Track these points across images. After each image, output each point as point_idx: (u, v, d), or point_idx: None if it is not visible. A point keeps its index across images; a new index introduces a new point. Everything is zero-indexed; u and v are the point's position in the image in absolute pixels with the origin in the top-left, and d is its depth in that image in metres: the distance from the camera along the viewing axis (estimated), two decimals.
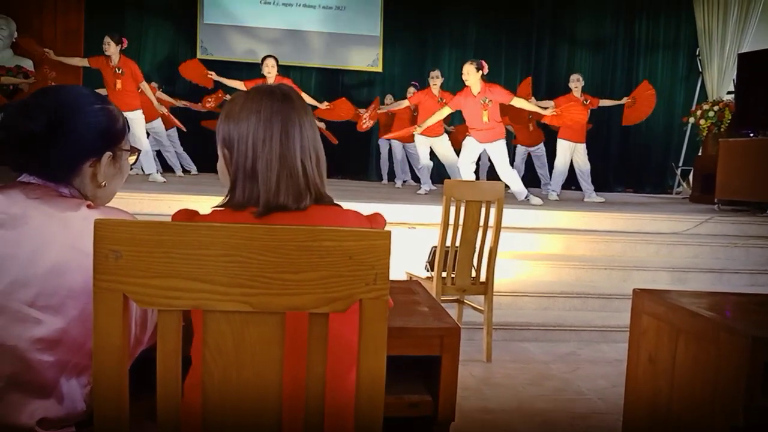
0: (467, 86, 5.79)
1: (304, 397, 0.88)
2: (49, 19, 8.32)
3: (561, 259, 4.64)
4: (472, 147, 6.04)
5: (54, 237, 1.09)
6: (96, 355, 0.83)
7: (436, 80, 6.73)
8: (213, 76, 6.89)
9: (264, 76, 6.32)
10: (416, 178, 8.51)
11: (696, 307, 1.72)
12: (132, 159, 1.30)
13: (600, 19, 9.79)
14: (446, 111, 6.04)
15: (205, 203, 4.65)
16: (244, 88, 6.19)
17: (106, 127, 1.22)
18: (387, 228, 1.29)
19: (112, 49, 6.17)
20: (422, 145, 6.94)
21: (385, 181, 8.70)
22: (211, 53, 8.92)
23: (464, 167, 6.09)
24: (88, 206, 1.14)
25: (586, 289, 4.28)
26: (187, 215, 1.16)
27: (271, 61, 6.27)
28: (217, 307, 0.84)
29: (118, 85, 6.22)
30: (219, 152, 1.21)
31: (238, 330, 0.85)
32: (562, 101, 6.60)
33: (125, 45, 6.31)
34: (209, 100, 7.46)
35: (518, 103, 6.00)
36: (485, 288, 3.32)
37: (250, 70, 8.95)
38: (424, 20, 9.54)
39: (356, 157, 9.33)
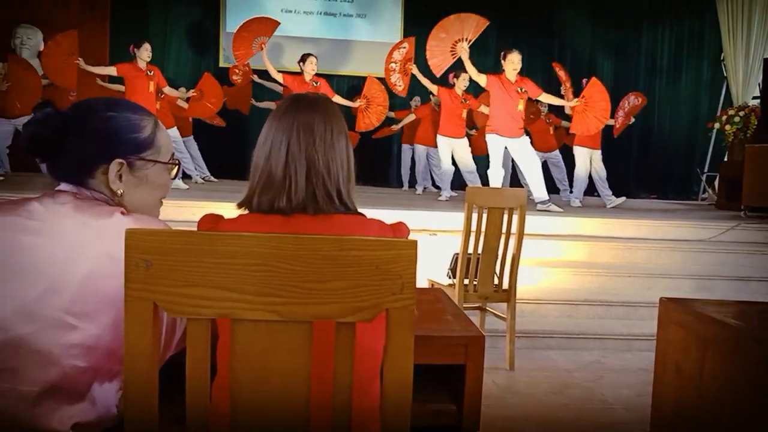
0: (503, 72, 5.74)
1: (331, 406, 0.88)
2: (76, 25, 8.46)
3: (584, 266, 4.59)
4: (497, 146, 5.86)
5: (88, 244, 1.10)
6: (127, 362, 0.84)
7: (462, 82, 6.68)
8: (255, 78, 6.99)
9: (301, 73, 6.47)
10: (436, 185, 8.51)
11: (722, 316, 1.69)
12: (172, 172, 1.30)
13: (622, 23, 9.72)
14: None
15: (228, 209, 4.68)
16: (281, 80, 6.40)
17: (117, 134, 1.21)
18: (410, 230, 1.30)
19: (147, 54, 6.32)
20: (445, 148, 6.83)
21: (405, 187, 8.69)
22: (234, 62, 8.99)
23: (495, 172, 5.93)
24: (122, 213, 1.16)
25: (610, 296, 4.23)
26: (212, 219, 1.18)
27: (312, 59, 6.45)
28: (245, 316, 0.85)
29: (151, 88, 6.33)
30: None
31: (265, 339, 0.86)
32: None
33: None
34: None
35: (546, 98, 5.98)
36: (508, 295, 3.31)
37: (271, 78, 9.04)
38: None
39: (376, 163, 9.34)
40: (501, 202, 3.23)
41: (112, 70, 6.47)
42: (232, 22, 9.36)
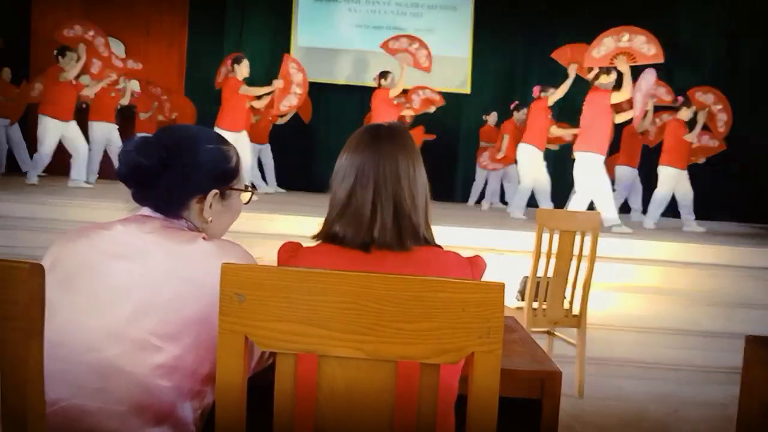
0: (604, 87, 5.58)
1: None
2: (155, 40, 8.87)
3: (659, 292, 4.43)
4: (599, 168, 5.65)
5: (172, 269, 1.15)
6: (219, 392, 0.87)
7: (554, 95, 6.60)
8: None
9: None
10: (503, 201, 8.42)
11: None
12: (246, 197, 1.35)
13: (700, 36, 9.32)
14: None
15: (297, 224, 4.79)
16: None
17: (215, 167, 1.27)
18: (487, 264, 1.29)
19: (247, 70, 6.59)
20: (531, 162, 6.64)
21: (470, 203, 8.62)
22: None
23: (586, 198, 5.73)
24: (204, 239, 1.20)
25: (687, 325, 4.06)
26: (292, 248, 1.20)
27: (392, 76, 6.69)
28: (332, 353, 0.86)
29: (247, 103, 6.62)
30: None
31: (351, 376, 0.87)
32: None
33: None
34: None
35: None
36: (578, 320, 3.22)
37: (342, 92, 9.20)
38: (514, 42, 9.45)
39: (441, 178, 9.30)
40: (573, 225, 3.16)
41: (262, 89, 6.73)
42: (303, 37, 9.58)
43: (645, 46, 5.62)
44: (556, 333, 3.41)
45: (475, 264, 1.21)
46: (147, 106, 8.28)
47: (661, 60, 5.73)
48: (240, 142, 6.58)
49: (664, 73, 6.10)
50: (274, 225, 4.82)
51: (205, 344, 1.13)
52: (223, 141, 1.32)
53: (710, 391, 3.51)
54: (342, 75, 9.42)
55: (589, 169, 5.60)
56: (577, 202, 5.77)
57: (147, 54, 8.82)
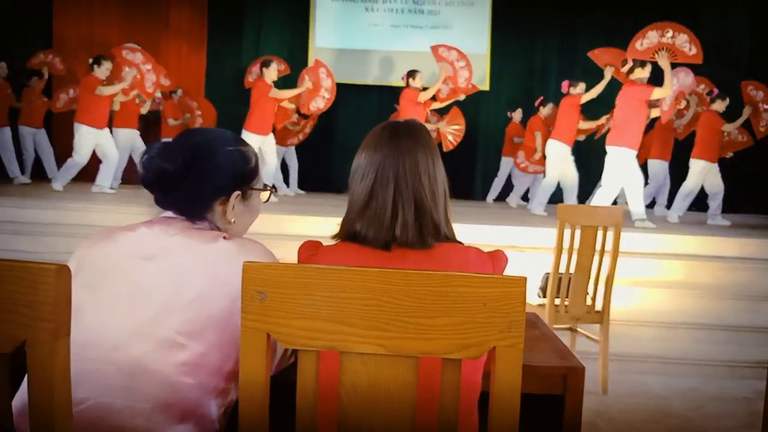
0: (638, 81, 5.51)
1: None
2: (174, 48, 8.96)
3: (682, 286, 4.37)
4: (631, 162, 5.58)
5: (196, 268, 1.16)
6: (242, 390, 0.88)
7: (587, 95, 6.56)
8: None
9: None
10: (524, 199, 8.37)
11: None
12: (264, 196, 1.36)
13: (726, 31, 9.14)
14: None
15: (317, 225, 4.81)
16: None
17: (236, 169, 1.29)
18: (508, 258, 1.29)
19: (276, 73, 6.70)
20: (560, 158, 6.55)
21: (488, 200, 8.58)
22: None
23: (614, 192, 5.68)
24: (225, 238, 1.22)
25: (711, 319, 4.01)
26: (312, 247, 1.20)
27: (420, 75, 6.65)
28: (354, 349, 0.87)
29: (276, 106, 6.72)
30: None
31: (373, 372, 0.87)
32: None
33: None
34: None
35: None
36: (601, 316, 3.20)
37: (360, 92, 9.20)
38: (532, 38, 9.38)
39: (460, 176, 9.25)
40: (595, 220, 3.14)
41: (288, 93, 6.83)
42: (321, 37, 9.60)
43: (687, 45, 5.56)
44: (578, 329, 3.38)
45: (496, 258, 1.21)
46: (177, 114, 8.37)
47: (699, 61, 5.68)
48: (267, 145, 6.63)
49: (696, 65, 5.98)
50: (294, 226, 4.84)
51: (229, 342, 1.14)
52: (242, 142, 1.33)
53: (735, 385, 3.47)
54: (360, 75, 9.42)
55: (622, 164, 5.51)
56: (603, 196, 5.69)
57: (166, 55, 8.89)
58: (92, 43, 8.83)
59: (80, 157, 6.60)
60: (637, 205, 5.60)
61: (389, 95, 9.19)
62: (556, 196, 7.67)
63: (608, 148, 5.62)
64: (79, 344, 1.13)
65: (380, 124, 1.28)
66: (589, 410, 3.00)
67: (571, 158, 6.70)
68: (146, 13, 9.16)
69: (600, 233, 3.12)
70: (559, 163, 6.58)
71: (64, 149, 8.10)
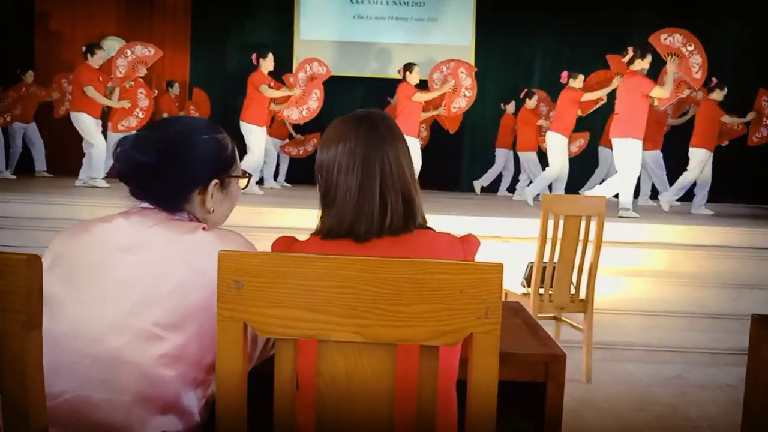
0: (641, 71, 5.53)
1: (414, 426, 0.89)
2: (158, 37, 8.87)
3: (665, 275, 4.41)
4: (638, 154, 5.62)
5: (174, 260, 1.15)
6: (219, 380, 0.87)
7: (588, 95, 6.59)
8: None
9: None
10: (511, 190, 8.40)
11: None
12: (243, 183, 1.35)
13: (708, 31, 9.15)
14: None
15: (302, 216, 4.80)
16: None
17: (213, 157, 1.27)
18: (480, 242, 1.29)
19: (272, 64, 6.65)
20: (560, 149, 6.59)
21: (477, 188, 8.57)
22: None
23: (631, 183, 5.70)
24: (204, 229, 1.20)
25: (694, 308, 4.05)
26: (286, 242, 1.19)
27: (417, 69, 6.58)
28: (331, 337, 0.86)
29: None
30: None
31: (350, 360, 0.87)
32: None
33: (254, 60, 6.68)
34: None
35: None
36: (585, 305, 3.22)
37: (345, 84, 9.16)
38: (517, 30, 9.39)
39: (446, 167, 9.26)
40: (578, 210, 3.15)
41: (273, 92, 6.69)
42: (305, 30, 9.55)
43: (697, 66, 5.62)
44: (563, 318, 3.40)
45: (467, 242, 1.21)
46: (173, 108, 8.28)
47: (696, 88, 5.77)
48: (258, 136, 6.58)
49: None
50: (281, 219, 4.83)
51: (209, 333, 1.13)
52: (217, 130, 1.31)
53: (718, 373, 3.51)
54: (345, 67, 9.38)
55: (628, 154, 5.52)
56: (622, 187, 5.65)
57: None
58: (75, 37, 8.74)
59: (98, 149, 6.57)
60: (626, 194, 5.63)
61: (375, 87, 9.17)
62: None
63: (614, 140, 5.63)
64: (57, 337, 1.12)
65: (349, 116, 1.26)
66: (574, 398, 3.02)
67: (566, 150, 6.75)
68: (128, 5, 9.06)
69: (583, 223, 3.13)
70: (561, 154, 6.63)
71: (54, 142, 8.04)
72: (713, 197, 6.73)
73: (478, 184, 8.50)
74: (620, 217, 5.40)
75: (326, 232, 1.18)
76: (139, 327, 1.11)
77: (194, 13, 9.29)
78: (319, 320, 0.85)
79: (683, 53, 5.61)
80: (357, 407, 0.88)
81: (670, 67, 5.53)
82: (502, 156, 8.44)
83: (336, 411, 0.88)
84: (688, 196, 6.76)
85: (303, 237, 1.22)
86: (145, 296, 1.13)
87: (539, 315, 3.19)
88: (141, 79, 7.08)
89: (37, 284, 0.81)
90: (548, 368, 1.39)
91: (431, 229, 1.21)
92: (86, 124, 6.49)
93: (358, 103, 8.87)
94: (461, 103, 7.02)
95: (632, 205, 5.65)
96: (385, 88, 9.22)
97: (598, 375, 3.31)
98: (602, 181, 6.55)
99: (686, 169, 6.50)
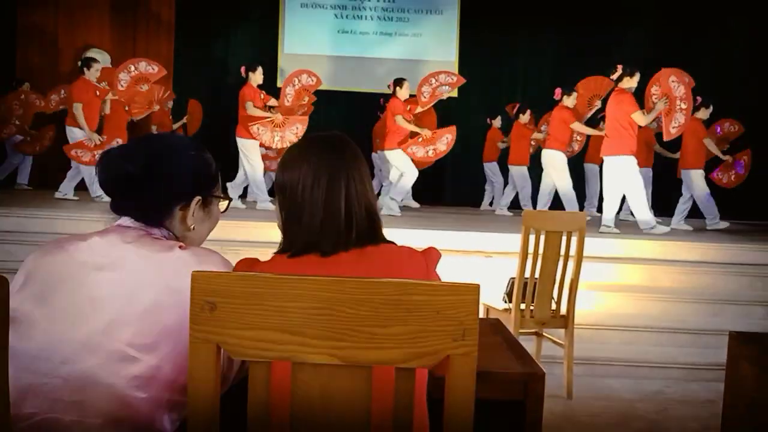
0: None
1: None
2: (142, 50, 8.84)
3: (645, 291, 4.45)
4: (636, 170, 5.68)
5: (149, 278, 1.13)
6: (191, 402, 0.86)
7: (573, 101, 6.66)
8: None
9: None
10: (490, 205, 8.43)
11: None
12: (223, 206, 1.34)
13: (683, 35, 9.33)
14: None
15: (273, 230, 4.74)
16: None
17: (198, 174, 1.28)
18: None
19: (261, 77, 6.60)
20: (558, 166, 6.60)
21: (485, 206, 8.56)
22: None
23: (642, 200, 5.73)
24: (180, 247, 1.19)
25: (673, 323, 4.08)
26: (248, 264, 1.18)
27: (407, 84, 6.61)
28: (306, 360, 0.85)
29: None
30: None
31: (325, 382, 0.86)
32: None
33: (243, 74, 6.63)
34: None
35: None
36: (566, 321, 3.23)
37: (328, 97, 9.17)
38: (500, 45, 9.49)
39: (429, 181, 9.25)
40: (559, 226, 3.17)
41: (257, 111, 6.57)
42: (290, 44, 9.57)
43: (677, 124, 5.71)
44: (544, 334, 3.41)
45: (429, 255, 1.23)
46: (166, 121, 8.22)
47: (663, 137, 5.93)
48: (254, 149, 6.52)
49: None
50: (265, 233, 4.79)
51: (183, 354, 1.11)
52: (202, 148, 1.31)
53: (698, 388, 3.53)
54: (329, 81, 9.40)
55: (622, 172, 5.55)
56: (607, 206, 5.68)
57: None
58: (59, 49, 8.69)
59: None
60: (642, 213, 5.64)
61: (358, 101, 9.20)
62: (517, 202, 7.80)
63: (606, 158, 5.67)
64: (29, 357, 1.09)
65: (312, 137, 1.29)
66: (555, 414, 3.02)
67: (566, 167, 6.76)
68: (111, 18, 9.03)
69: (564, 238, 3.15)
70: (564, 171, 6.62)
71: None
72: (692, 213, 6.81)
73: (501, 208, 8.35)
74: (601, 232, 5.44)
75: (292, 249, 1.18)
76: (112, 347, 1.09)
77: (178, 26, 9.27)
78: (293, 342, 0.84)
79: (675, 106, 5.67)
80: (331, 429, 0.87)
81: (660, 106, 5.60)
82: (492, 170, 8.46)
83: None
84: (665, 212, 6.83)
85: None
86: (118, 315, 1.11)
87: (520, 330, 3.20)
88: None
89: (3, 305, 0.79)
90: (527, 386, 1.39)
91: (392, 242, 1.23)
92: (77, 137, 6.43)
93: (342, 117, 8.89)
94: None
95: (613, 222, 5.69)
96: (369, 102, 9.25)
97: (580, 391, 3.31)
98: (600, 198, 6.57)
99: (684, 192, 6.62)
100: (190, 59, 9.24)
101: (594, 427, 2.91)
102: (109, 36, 9.00)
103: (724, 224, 6.40)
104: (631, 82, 5.58)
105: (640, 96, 5.78)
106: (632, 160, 5.55)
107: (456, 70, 9.44)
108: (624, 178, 5.56)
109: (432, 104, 7.05)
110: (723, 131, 7.04)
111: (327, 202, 1.17)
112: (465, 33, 9.50)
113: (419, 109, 6.98)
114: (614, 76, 5.77)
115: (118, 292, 1.12)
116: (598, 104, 6.78)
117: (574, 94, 6.63)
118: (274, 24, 9.52)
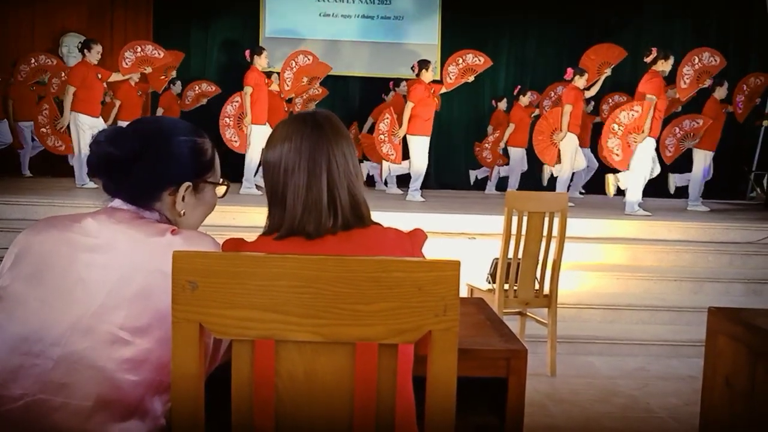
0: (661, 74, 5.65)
1: (374, 425, 0.88)
2: (120, 36, 8.70)
3: (627, 270, 4.50)
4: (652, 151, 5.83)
5: (141, 262, 1.12)
6: (174, 381, 0.86)
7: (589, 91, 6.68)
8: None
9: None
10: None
11: None
12: (221, 191, 1.33)
13: (667, 22, 9.38)
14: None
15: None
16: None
17: (188, 159, 1.25)
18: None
19: (267, 61, 6.62)
20: (572, 148, 6.54)
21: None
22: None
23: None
24: (173, 232, 1.18)
25: (655, 301, 4.14)
26: (234, 244, 1.18)
27: (432, 66, 6.48)
28: (289, 338, 0.86)
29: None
30: None
31: (309, 360, 0.87)
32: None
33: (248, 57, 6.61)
34: None
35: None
36: (549, 300, 3.26)
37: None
38: (483, 28, 9.46)
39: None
40: (542, 207, 3.19)
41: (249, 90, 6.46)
42: (271, 28, 9.47)
43: (687, 78, 5.89)
44: (527, 313, 3.44)
45: (414, 236, 1.23)
46: (173, 104, 8.16)
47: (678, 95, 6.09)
48: (260, 135, 6.40)
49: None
50: (251, 218, 4.76)
51: None
52: (199, 134, 1.29)
53: (678, 364, 3.59)
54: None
55: (641, 152, 5.67)
56: (633, 182, 5.79)
57: (112, 46, 8.62)
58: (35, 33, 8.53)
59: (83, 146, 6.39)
60: (632, 195, 5.78)
61: (341, 85, 9.14)
62: (503, 183, 7.81)
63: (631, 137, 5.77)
64: (19, 338, 1.09)
65: (294, 115, 1.27)
66: (539, 392, 3.06)
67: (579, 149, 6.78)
68: (91, 5, 8.87)
69: (547, 219, 3.17)
70: (572, 153, 6.58)
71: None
72: (678, 193, 6.88)
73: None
74: (627, 214, 5.59)
75: (276, 231, 1.17)
76: (103, 330, 1.08)
77: (156, 11, 9.12)
78: (276, 320, 0.84)
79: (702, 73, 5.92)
80: (316, 406, 0.87)
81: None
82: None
83: (295, 411, 0.87)
84: (651, 192, 6.88)
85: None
86: (110, 299, 1.10)
87: (504, 310, 3.22)
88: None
89: None
90: (510, 363, 1.41)
91: (378, 224, 1.23)
92: (78, 124, 6.31)
93: (326, 100, 8.83)
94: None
95: (638, 205, 5.76)
96: (351, 85, 9.21)
97: (563, 368, 3.36)
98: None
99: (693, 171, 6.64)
100: (169, 43, 9.10)
101: (577, 404, 2.96)
102: (87, 20, 8.84)
103: (704, 208, 6.47)
104: (665, 65, 5.66)
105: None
106: (651, 142, 5.69)
107: (438, 54, 9.42)
108: (637, 157, 5.71)
109: (458, 85, 6.82)
110: (702, 63, 7.02)
111: (309, 187, 1.16)
112: (447, 16, 9.46)
113: (443, 90, 6.74)
114: (648, 59, 5.79)
115: (109, 275, 1.11)
116: (608, 72, 6.72)
117: (586, 75, 6.51)
118: (255, 6, 9.40)
